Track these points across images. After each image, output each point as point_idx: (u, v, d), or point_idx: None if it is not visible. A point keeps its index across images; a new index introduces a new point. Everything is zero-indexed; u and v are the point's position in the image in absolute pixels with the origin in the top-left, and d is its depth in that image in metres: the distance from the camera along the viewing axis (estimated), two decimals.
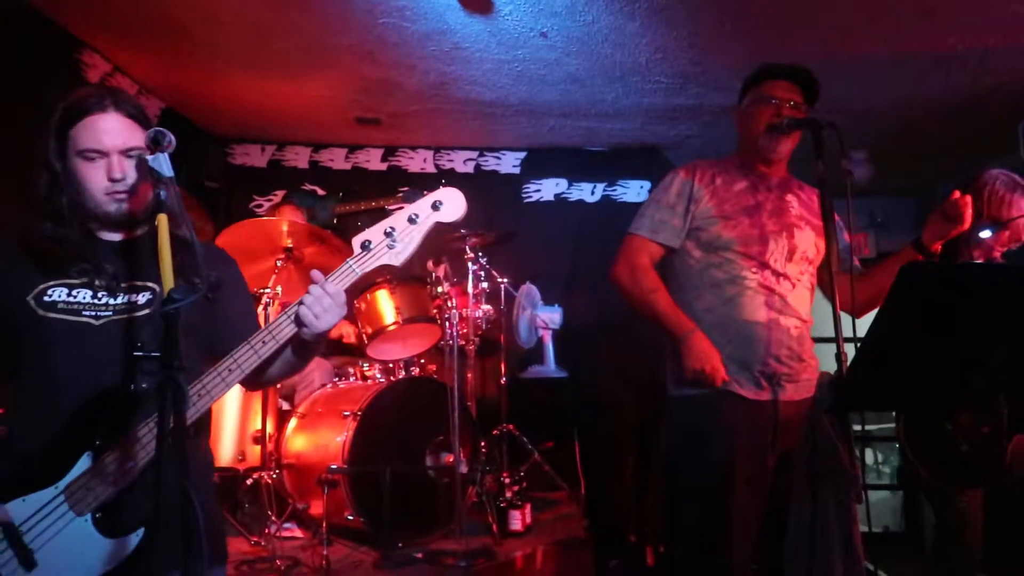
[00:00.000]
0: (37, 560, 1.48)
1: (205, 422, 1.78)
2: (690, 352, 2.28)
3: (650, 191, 5.17)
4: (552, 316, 4.82)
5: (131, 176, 1.65)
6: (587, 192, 5.58)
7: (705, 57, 3.83)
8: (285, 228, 3.62)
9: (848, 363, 1.58)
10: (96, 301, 1.63)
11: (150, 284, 1.69)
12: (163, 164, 1.52)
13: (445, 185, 1.68)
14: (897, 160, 5.38)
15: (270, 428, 3.60)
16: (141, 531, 1.51)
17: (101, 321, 1.62)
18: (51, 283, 1.63)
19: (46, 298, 1.62)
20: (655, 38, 3.65)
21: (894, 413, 2.89)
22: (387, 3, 3.34)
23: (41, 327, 1.59)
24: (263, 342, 1.61)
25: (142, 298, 1.67)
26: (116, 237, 1.72)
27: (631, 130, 5.01)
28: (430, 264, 4.01)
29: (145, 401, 1.51)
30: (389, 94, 4.40)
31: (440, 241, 4.22)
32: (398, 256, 1.62)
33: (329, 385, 3.88)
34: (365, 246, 1.62)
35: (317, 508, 3.37)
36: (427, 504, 3.49)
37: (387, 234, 1.61)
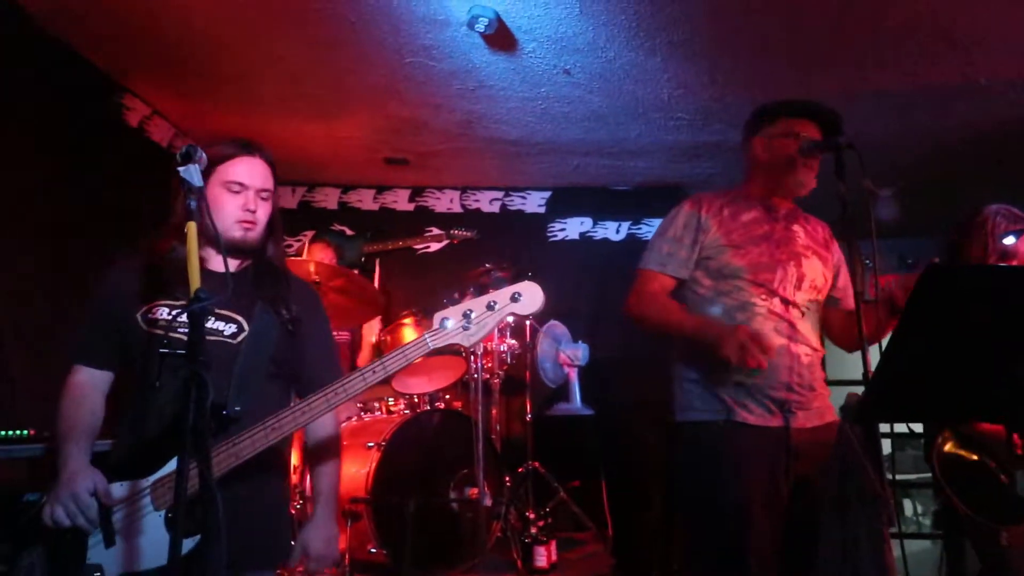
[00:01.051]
0: (116, 540, 1.64)
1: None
2: (723, 337, 2.19)
3: None
4: (577, 353, 4.80)
5: (260, 212, 1.92)
6: (612, 231, 5.61)
7: (726, 93, 3.88)
8: (312, 268, 3.68)
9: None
10: None
11: (239, 318, 1.85)
12: (194, 175, 1.60)
13: (529, 279, 1.81)
14: (926, 198, 5.33)
15: (295, 460, 3.61)
16: (196, 539, 1.57)
17: None
18: (157, 302, 1.82)
19: (150, 315, 1.81)
20: (676, 74, 3.71)
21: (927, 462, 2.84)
22: (414, 42, 3.44)
23: (144, 341, 1.79)
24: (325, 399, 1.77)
25: (228, 328, 1.84)
26: (222, 267, 1.83)
27: (655, 168, 5.06)
28: (456, 296, 4.04)
29: (233, 423, 1.71)
30: (416, 134, 4.49)
31: (465, 274, 4.27)
32: (470, 338, 1.75)
33: (354, 418, 3.89)
34: (442, 324, 1.74)
35: (340, 541, 3.35)
36: (451, 539, 3.46)
37: (465, 316, 1.74)
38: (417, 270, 5.45)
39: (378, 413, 3.99)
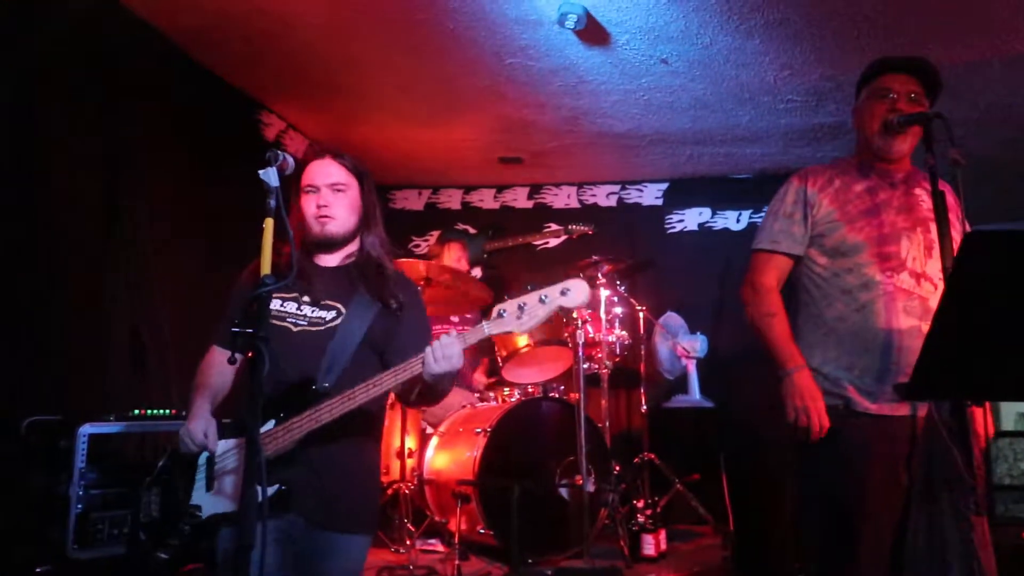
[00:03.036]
0: (215, 485, 1.93)
1: (373, 415, 2.11)
2: (794, 389, 2.21)
3: None
4: (695, 344, 4.76)
5: (335, 205, 2.09)
6: (732, 220, 5.50)
7: (836, 70, 3.72)
8: (422, 267, 3.87)
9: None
10: (297, 312, 2.05)
11: (338, 305, 2.07)
12: (271, 177, 1.80)
13: (578, 277, 1.98)
14: None
15: (411, 444, 3.85)
16: (275, 488, 1.87)
17: (298, 328, 2.04)
18: (274, 295, 2.02)
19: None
20: (779, 55, 3.61)
21: None
22: (511, 43, 3.57)
23: None
24: (394, 375, 1.92)
25: (329, 315, 2.06)
26: (329, 262, 2.15)
27: (773, 154, 4.92)
28: (529, 288, 4.11)
29: (318, 397, 1.91)
30: (526, 132, 4.63)
31: (573, 267, 4.35)
32: (522, 326, 1.93)
33: (468, 407, 4.07)
34: (500, 314, 1.94)
35: (455, 523, 3.54)
36: (558, 524, 3.55)
37: (519, 307, 1.92)
38: (537, 266, 5.59)
39: (493, 403, 4.15)
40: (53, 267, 2.95)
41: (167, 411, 2.85)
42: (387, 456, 3.82)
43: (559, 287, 1.92)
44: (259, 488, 1.46)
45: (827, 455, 2.22)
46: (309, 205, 2.10)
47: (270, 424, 1.93)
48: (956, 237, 2.29)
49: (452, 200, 5.85)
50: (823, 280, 2.33)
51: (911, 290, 2.22)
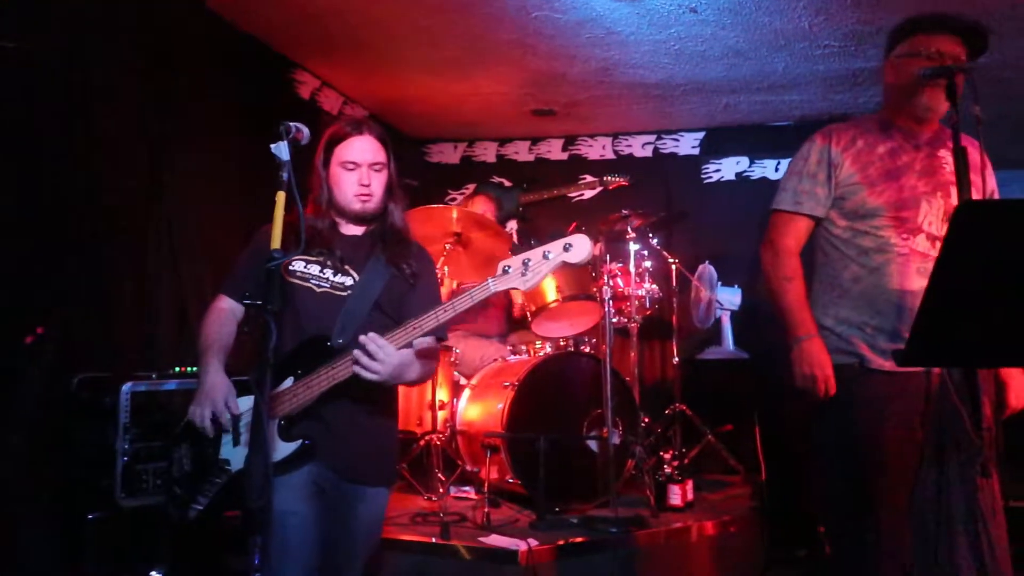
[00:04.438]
0: (242, 439, 2.03)
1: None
2: (803, 356, 2.24)
3: None
4: (730, 297, 4.74)
5: (375, 184, 2.15)
6: (771, 169, 5.39)
7: (874, 13, 3.59)
8: (454, 215, 3.93)
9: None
10: (320, 275, 2.12)
11: (354, 271, 2.14)
12: (283, 151, 1.87)
13: (579, 232, 2.01)
14: None
15: (443, 396, 3.96)
16: (299, 443, 2.00)
17: (321, 290, 2.12)
18: (297, 257, 2.11)
19: (291, 267, 2.11)
20: (812, 0, 3.50)
21: None
22: None
23: (285, 287, 2.09)
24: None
25: (347, 280, 2.13)
26: (352, 231, 2.21)
27: (813, 101, 4.79)
28: (533, 243, 4.13)
29: (336, 353, 1.99)
30: (557, 85, 4.60)
31: (604, 221, 4.35)
32: (526, 283, 1.96)
33: (500, 360, 4.16)
34: (505, 270, 1.97)
35: (485, 472, 3.66)
36: (585, 475, 3.64)
37: (523, 263, 1.96)
38: (571, 218, 5.55)
39: (524, 356, 4.23)
40: (101, 228, 3.09)
41: None
42: (420, 407, 3.94)
43: (562, 242, 1.95)
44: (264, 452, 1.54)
45: (842, 413, 2.25)
46: (350, 182, 2.14)
47: (288, 381, 2.03)
48: (977, 198, 2.26)
49: (487, 153, 5.86)
50: (841, 242, 2.33)
51: (926, 252, 2.21)
